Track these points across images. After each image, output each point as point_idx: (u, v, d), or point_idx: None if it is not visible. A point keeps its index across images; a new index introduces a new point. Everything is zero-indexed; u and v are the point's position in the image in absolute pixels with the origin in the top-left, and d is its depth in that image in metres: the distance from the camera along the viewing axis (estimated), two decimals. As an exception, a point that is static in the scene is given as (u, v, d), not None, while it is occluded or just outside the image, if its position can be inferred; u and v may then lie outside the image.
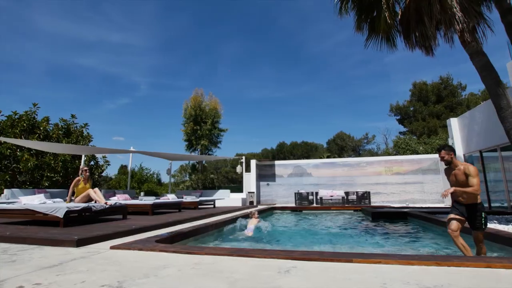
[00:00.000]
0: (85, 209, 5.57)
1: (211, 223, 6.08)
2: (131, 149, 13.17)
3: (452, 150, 3.75)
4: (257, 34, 56.09)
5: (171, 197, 10.89)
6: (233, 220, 6.92)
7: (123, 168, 34.03)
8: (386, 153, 19.38)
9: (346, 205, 13.14)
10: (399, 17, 6.09)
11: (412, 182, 14.50)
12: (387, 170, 14.97)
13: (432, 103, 32.61)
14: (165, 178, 29.17)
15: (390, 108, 37.54)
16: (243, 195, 13.79)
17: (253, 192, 14.14)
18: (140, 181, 16.08)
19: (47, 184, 11.72)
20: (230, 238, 5.80)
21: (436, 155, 14.55)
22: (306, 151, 50.76)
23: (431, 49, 6.00)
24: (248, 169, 15.73)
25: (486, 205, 10.04)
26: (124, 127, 62.03)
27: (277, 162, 16.81)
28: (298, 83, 59.43)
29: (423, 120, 31.85)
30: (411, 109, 34.28)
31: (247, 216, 8.74)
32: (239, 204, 13.29)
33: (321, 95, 59.27)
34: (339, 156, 38.12)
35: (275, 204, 15.38)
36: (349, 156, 42.55)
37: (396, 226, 7.55)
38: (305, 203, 14.24)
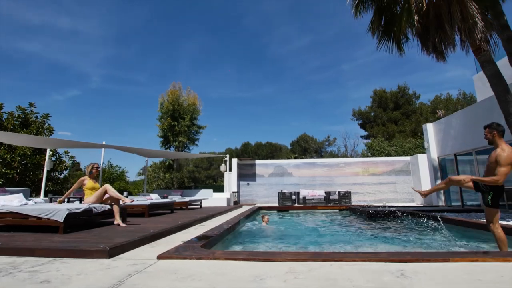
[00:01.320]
0: (86, 211, 4.72)
1: (229, 223, 5.61)
2: (103, 143, 11.87)
3: (496, 129, 3.47)
4: (220, 32, 55.36)
5: (154, 197, 10.00)
6: (242, 221, 6.52)
7: (75, 165, 30.69)
8: (362, 154, 20.35)
9: (332, 205, 13.42)
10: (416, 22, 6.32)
11: (386, 182, 15.39)
12: (363, 171, 15.67)
13: (390, 109, 35.30)
14: (131, 177, 27.02)
15: (353, 113, 39.86)
16: (227, 194, 13.28)
17: (237, 192, 13.69)
18: (109, 180, 14.40)
19: (0, 182, 9.94)
20: (248, 239, 5.43)
21: (408, 158, 15.65)
22: (270, 151, 51.44)
23: (442, 55, 6.34)
24: (229, 168, 15.23)
25: (459, 203, 10.99)
26: (72, 122, 56.42)
27: (258, 162, 16.58)
28: (260, 84, 59.96)
29: (383, 125, 34.32)
30: (372, 114, 36.75)
31: (247, 217, 8.39)
32: (224, 204, 12.76)
33: (282, 97, 60.55)
34: (298, 157, 39.19)
35: (255, 204, 15.13)
36: (312, 157, 44.01)
37: (397, 224, 7.81)
38: (288, 203, 14.23)
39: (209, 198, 12.56)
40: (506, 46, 6.21)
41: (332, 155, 44.58)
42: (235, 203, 13.58)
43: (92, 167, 5.46)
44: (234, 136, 63.78)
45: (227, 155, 13.73)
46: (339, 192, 14.26)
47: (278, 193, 14.67)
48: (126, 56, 52.02)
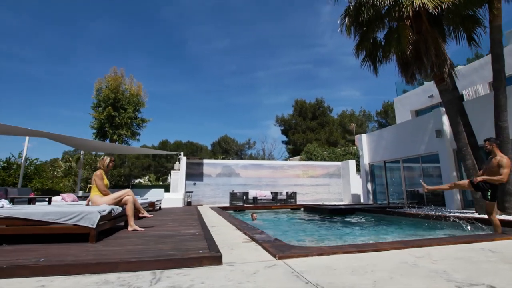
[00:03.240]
0: (109, 214, 3.87)
1: (243, 223, 5.49)
2: (28, 128, 9.46)
3: (495, 142, 4.59)
4: (132, 18, 50.80)
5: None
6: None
7: None
8: (301, 158, 22.15)
9: (283, 204, 14.23)
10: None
11: (322, 184, 17.34)
12: (304, 173, 17.23)
13: (309, 119, 39.66)
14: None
15: (276, 119, 42.96)
16: (180, 195, 12.42)
17: (192, 192, 12.98)
18: (26, 176, 11.03)
19: None
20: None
21: (339, 163, 18.04)
22: (191, 151, 50.10)
23: (413, 80, 7.87)
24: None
25: (385, 202, 13.43)
26: None
27: (205, 161, 16.09)
28: (173, 80, 57.71)
29: (303, 132, 38.22)
30: (293, 122, 40.47)
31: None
32: (179, 204, 11.92)
33: (197, 96, 59.84)
34: (225, 158, 39.83)
35: (202, 205, 14.65)
36: (233, 158, 45.13)
37: (360, 220, 9.06)
38: (239, 203, 14.36)
39: (163, 198, 11.53)
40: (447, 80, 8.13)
41: (252, 157, 46.89)
42: (189, 203, 12.86)
43: (110, 160, 4.47)
44: (147, 133, 59.01)
45: (181, 153, 12.86)
46: (287, 192, 15.28)
47: (230, 193, 14.64)
48: (11, 22, 41.60)
